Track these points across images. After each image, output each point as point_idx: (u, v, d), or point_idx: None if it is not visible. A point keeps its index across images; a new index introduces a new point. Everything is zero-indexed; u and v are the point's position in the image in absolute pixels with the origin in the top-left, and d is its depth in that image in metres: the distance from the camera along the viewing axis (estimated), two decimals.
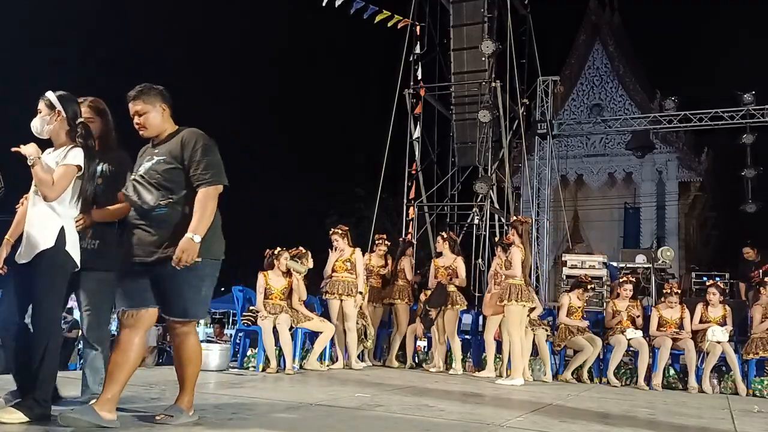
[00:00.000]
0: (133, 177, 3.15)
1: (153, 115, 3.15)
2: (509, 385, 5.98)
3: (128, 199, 3.13)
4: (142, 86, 3.18)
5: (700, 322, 7.04)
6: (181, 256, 2.92)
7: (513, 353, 6.28)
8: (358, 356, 7.18)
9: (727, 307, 7.18)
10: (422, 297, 7.73)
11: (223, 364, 6.05)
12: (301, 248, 6.88)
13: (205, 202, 3.03)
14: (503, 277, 6.53)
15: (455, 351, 7.19)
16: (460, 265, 7.29)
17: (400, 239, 8.64)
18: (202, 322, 19.95)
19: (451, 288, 7.07)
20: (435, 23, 13.92)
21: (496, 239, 7.25)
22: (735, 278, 9.30)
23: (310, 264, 6.91)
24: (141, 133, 3.19)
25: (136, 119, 3.15)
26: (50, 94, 3.27)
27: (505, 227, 13.89)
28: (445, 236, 7.45)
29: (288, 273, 6.56)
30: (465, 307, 7.40)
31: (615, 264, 10.18)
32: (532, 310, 7.35)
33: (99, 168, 3.40)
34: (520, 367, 6.28)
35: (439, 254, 7.43)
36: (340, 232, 7.09)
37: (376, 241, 8.00)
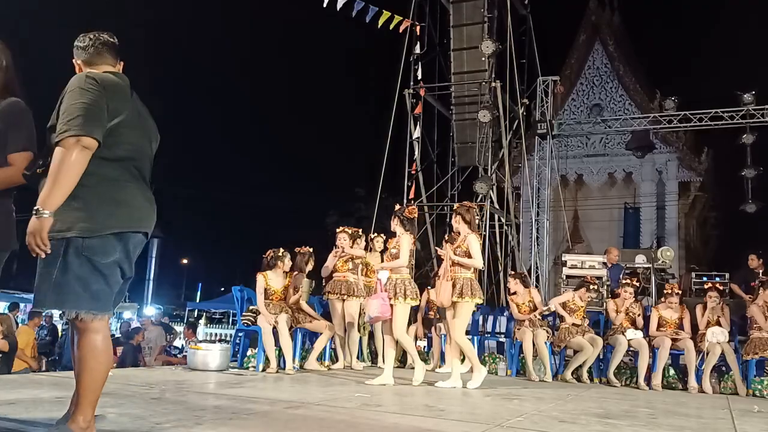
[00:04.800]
0: None
1: None
2: (449, 388, 5.50)
3: None
4: None
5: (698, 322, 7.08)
6: (29, 240, 2.34)
7: (467, 352, 5.82)
8: (358, 356, 7.18)
9: (725, 308, 7.18)
10: (425, 295, 7.68)
11: (223, 364, 6.06)
12: (307, 248, 6.90)
13: (58, 162, 2.35)
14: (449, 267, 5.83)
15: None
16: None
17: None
18: (202, 322, 19.93)
19: None
20: (435, 23, 13.96)
21: (446, 239, 6.26)
22: (734, 281, 9.27)
23: (311, 265, 6.91)
24: None
25: None
26: None
27: (506, 227, 13.92)
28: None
29: (287, 273, 6.57)
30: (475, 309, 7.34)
31: (623, 264, 10.17)
32: (533, 308, 7.36)
33: None
34: (479, 366, 5.84)
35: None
36: (350, 232, 7.05)
37: (372, 239, 7.87)
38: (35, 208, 2.34)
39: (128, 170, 2.59)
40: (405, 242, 5.68)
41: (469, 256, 5.71)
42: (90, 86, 2.47)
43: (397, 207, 5.99)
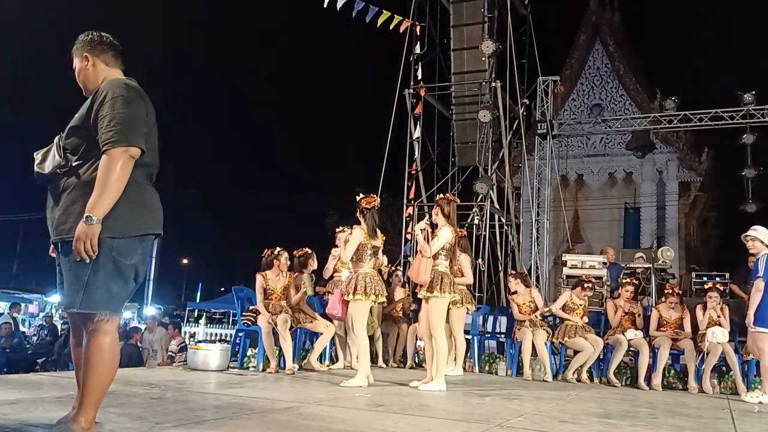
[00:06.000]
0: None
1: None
2: (436, 391, 5.24)
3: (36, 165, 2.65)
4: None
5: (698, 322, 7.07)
6: (77, 246, 2.40)
7: (438, 353, 5.43)
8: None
9: (725, 308, 7.18)
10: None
11: (223, 364, 6.06)
12: (306, 249, 6.89)
13: (108, 170, 2.43)
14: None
15: (459, 351, 7.03)
16: (464, 262, 6.83)
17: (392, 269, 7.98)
18: (202, 322, 19.93)
19: (459, 286, 6.64)
20: (435, 23, 13.95)
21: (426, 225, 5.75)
22: (734, 281, 9.27)
23: (314, 266, 6.91)
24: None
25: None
26: None
27: (506, 227, 13.92)
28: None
29: (287, 274, 6.57)
30: (473, 308, 7.20)
31: (623, 264, 10.18)
32: (534, 308, 7.35)
33: None
34: (443, 370, 5.49)
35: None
36: (348, 231, 7.00)
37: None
38: (88, 214, 2.39)
39: (147, 175, 2.69)
40: (354, 235, 5.48)
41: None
42: (132, 95, 2.57)
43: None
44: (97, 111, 2.53)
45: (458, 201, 6.08)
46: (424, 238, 5.52)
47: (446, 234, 5.53)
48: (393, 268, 8.02)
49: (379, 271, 7.51)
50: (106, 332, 2.51)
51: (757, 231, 6.22)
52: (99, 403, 2.53)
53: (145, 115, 2.60)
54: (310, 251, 6.90)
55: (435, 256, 5.52)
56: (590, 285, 7.47)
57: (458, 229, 7.50)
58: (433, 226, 5.70)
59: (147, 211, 2.63)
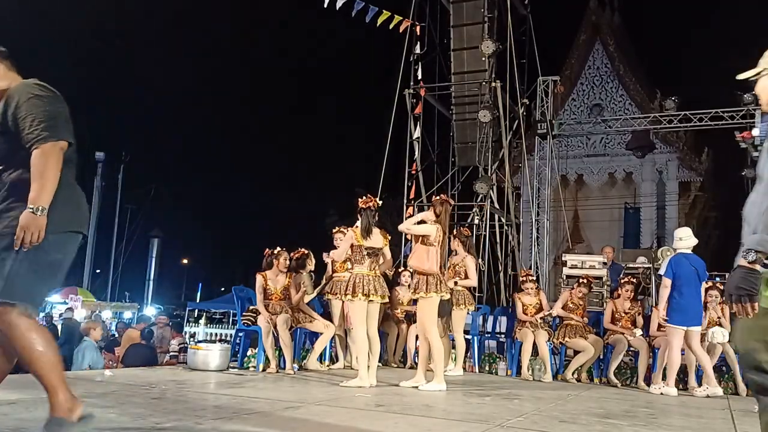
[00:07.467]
0: None
1: None
2: (436, 391, 5.25)
3: None
4: None
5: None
6: (21, 235, 2.42)
7: (433, 354, 5.45)
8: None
9: (725, 308, 7.17)
10: None
11: (223, 364, 6.06)
12: (303, 250, 6.88)
13: (44, 164, 2.49)
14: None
15: (459, 351, 7.05)
16: (469, 264, 6.93)
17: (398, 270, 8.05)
18: (202, 322, 19.94)
19: (459, 288, 6.80)
20: (435, 23, 13.96)
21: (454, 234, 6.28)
22: None
23: (311, 266, 6.90)
24: None
25: None
26: None
27: (506, 227, 13.93)
28: (462, 234, 7.06)
29: (286, 273, 6.56)
30: (473, 309, 7.21)
31: (623, 264, 10.18)
32: (539, 310, 7.33)
33: None
34: (441, 370, 5.49)
35: (452, 252, 7.10)
36: (346, 232, 6.99)
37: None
38: (33, 206, 2.43)
39: (72, 171, 2.70)
40: (346, 236, 5.57)
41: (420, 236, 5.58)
42: (48, 93, 2.61)
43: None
44: (14, 114, 2.55)
45: (452, 202, 6.16)
46: (416, 222, 5.66)
47: (427, 227, 5.54)
48: (401, 269, 8.01)
49: (385, 274, 7.52)
50: (21, 316, 2.45)
51: (681, 240, 6.58)
52: (61, 379, 2.49)
53: (67, 111, 2.64)
54: (306, 251, 6.90)
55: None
56: (585, 281, 7.49)
57: (464, 229, 7.57)
58: None
59: (77, 210, 2.67)
